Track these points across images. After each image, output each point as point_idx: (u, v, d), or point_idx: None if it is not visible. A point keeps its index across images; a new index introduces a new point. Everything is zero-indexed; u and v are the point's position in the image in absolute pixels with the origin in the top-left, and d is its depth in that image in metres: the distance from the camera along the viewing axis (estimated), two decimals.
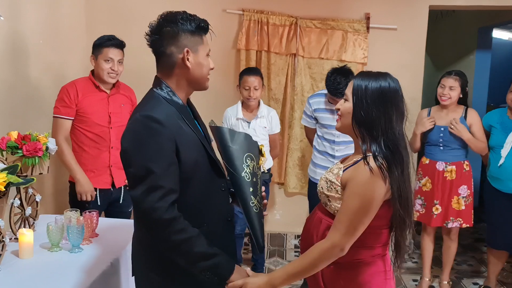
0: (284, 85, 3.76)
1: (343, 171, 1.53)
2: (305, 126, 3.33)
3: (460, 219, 3.10)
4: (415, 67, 3.74)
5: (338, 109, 1.58)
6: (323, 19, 3.68)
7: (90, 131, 2.65)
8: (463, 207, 3.10)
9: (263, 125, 3.14)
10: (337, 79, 2.82)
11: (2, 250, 1.75)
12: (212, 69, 1.58)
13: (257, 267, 3.42)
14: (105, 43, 2.65)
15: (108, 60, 2.63)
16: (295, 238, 4.04)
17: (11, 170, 1.71)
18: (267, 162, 3.20)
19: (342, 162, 1.65)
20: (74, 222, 1.94)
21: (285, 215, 4.04)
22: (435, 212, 3.13)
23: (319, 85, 3.72)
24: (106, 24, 3.64)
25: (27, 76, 2.92)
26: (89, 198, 2.64)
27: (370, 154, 1.46)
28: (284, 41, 3.70)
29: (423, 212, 3.19)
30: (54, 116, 2.66)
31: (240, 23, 3.68)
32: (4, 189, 1.66)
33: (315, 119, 3.16)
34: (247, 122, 3.13)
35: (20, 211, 2.01)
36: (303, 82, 3.75)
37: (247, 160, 1.62)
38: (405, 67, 3.62)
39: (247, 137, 1.66)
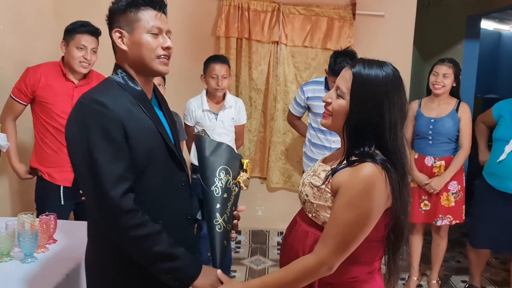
0: (266, 75, 3.56)
1: (332, 174, 1.31)
2: (290, 110, 3.19)
3: (450, 216, 2.96)
4: (402, 56, 3.56)
5: (328, 103, 1.34)
6: (307, 5, 3.48)
7: (51, 123, 2.43)
8: (453, 204, 2.95)
9: (231, 116, 2.93)
10: (343, 61, 2.64)
11: None
12: (167, 48, 1.38)
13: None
14: (78, 29, 2.43)
15: (81, 48, 2.42)
16: (278, 235, 3.86)
17: None
18: None
19: (324, 161, 1.46)
20: (27, 228, 1.73)
21: (267, 211, 3.86)
22: (424, 208, 2.99)
23: (302, 75, 3.54)
24: (77, 8, 3.38)
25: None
26: (23, 177, 2.55)
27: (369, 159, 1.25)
28: (266, 28, 3.48)
29: (410, 208, 3.03)
30: (10, 95, 2.49)
31: (220, 8, 3.46)
32: None
33: (308, 108, 3.01)
34: (214, 114, 2.90)
35: None
36: (286, 72, 3.55)
37: (221, 174, 1.47)
38: (393, 56, 3.34)
39: (229, 149, 1.51)
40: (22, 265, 1.71)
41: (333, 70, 2.70)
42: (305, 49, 3.52)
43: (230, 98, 2.97)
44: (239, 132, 3.08)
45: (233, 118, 2.96)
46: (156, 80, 2.58)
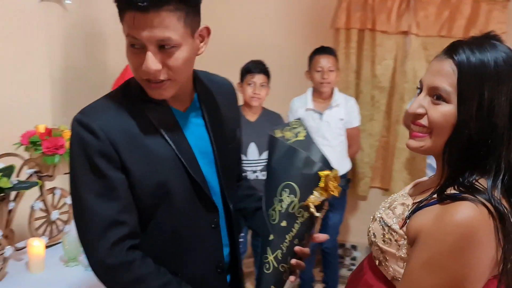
0: (392, 71, 3.08)
1: (413, 212, 0.91)
2: (407, 111, 2.68)
3: None
4: None
5: (419, 116, 0.92)
6: None
7: None
8: None
9: (339, 117, 2.55)
10: None
11: (3, 263, 1.53)
12: (149, 72, 0.97)
13: None
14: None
15: None
16: None
17: (6, 172, 1.46)
18: (344, 165, 2.60)
19: (415, 187, 1.05)
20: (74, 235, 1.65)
21: None
22: None
23: None
24: None
25: (103, 62, 2.77)
26: None
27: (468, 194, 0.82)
28: (394, 17, 3.00)
29: None
30: None
31: None
32: None
33: None
34: (319, 113, 2.56)
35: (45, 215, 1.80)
36: (416, 67, 3.02)
37: (283, 192, 1.07)
38: None
39: (304, 158, 1.07)
40: (85, 271, 1.65)
41: None
42: (441, 40, 2.94)
43: (339, 96, 2.61)
44: (352, 136, 2.70)
45: (342, 119, 2.59)
46: (260, 79, 2.37)
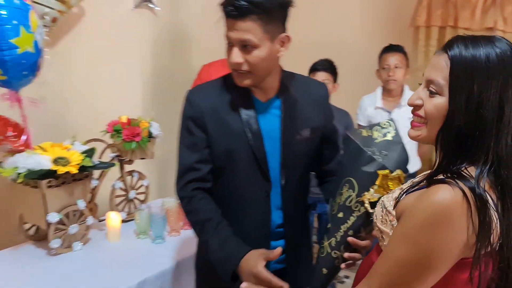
0: None
1: (404, 194, 0.96)
2: None
3: None
4: None
5: (417, 107, 0.97)
6: None
7: None
8: None
9: (408, 116, 2.49)
10: None
11: (86, 230, 1.82)
12: (233, 63, 1.27)
13: None
14: None
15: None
16: None
17: (88, 153, 1.74)
18: (413, 164, 2.54)
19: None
20: (158, 212, 1.88)
21: None
22: None
23: None
24: None
25: (188, 63, 3.04)
26: None
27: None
28: (478, 12, 2.88)
29: None
30: None
31: None
32: (79, 171, 1.69)
33: None
34: (388, 112, 2.54)
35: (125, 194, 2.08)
36: None
37: (344, 187, 1.18)
38: None
39: (369, 160, 1.15)
40: (152, 243, 1.88)
41: None
42: None
43: (409, 95, 2.58)
44: None
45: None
46: (321, 76, 2.46)
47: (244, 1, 1.19)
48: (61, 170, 1.63)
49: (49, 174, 1.62)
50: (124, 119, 2.04)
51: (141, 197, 2.16)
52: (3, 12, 1.37)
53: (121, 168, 2.05)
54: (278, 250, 1.23)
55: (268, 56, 1.27)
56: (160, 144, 2.16)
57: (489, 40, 0.89)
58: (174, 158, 1.45)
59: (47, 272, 1.60)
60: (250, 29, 1.22)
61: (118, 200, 2.07)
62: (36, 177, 1.59)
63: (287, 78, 1.40)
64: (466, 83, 0.87)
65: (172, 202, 1.97)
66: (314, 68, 2.53)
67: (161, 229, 1.88)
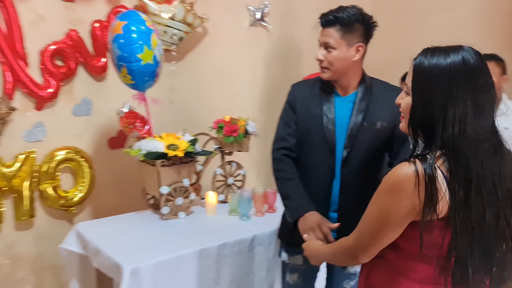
0: None
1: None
2: None
3: None
4: None
5: (399, 104, 1.23)
6: None
7: None
8: None
9: (504, 125, 2.45)
10: None
11: (189, 203, 2.30)
12: (317, 59, 1.75)
13: None
14: None
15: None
16: None
17: (192, 142, 2.22)
18: None
19: None
20: (247, 196, 2.28)
21: None
22: None
23: None
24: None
25: (296, 73, 3.41)
26: None
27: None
28: None
29: None
30: None
31: None
32: (185, 156, 2.19)
33: None
34: None
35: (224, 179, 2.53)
36: None
37: None
38: None
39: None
40: (238, 220, 2.29)
41: None
42: None
43: (507, 104, 2.56)
44: None
45: (507, 128, 2.52)
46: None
47: (331, 16, 1.68)
48: (171, 153, 2.13)
49: (162, 155, 2.14)
50: (227, 118, 2.49)
51: (239, 184, 2.59)
52: (134, 35, 1.94)
53: (222, 157, 2.51)
54: (337, 224, 1.65)
55: (343, 57, 1.70)
56: (260, 142, 2.56)
57: (448, 51, 1.11)
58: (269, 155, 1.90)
59: (158, 232, 2.12)
60: (331, 35, 1.69)
61: (219, 184, 2.52)
62: (153, 157, 2.13)
63: (367, 80, 1.78)
64: (420, 85, 1.12)
65: (260, 189, 2.36)
66: (403, 78, 2.69)
67: (247, 209, 2.27)
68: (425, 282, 1.16)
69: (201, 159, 2.43)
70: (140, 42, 1.95)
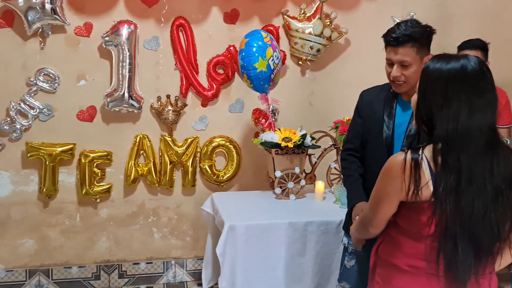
0: None
1: None
2: None
3: None
4: None
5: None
6: None
7: None
8: None
9: None
10: None
11: (300, 188, 2.73)
12: (394, 76, 1.82)
13: None
14: None
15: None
16: None
17: (303, 136, 2.64)
18: None
19: None
20: (342, 187, 2.58)
21: None
22: None
23: None
24: None
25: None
26: None
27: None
28: None
29: None
30: None
31: None
32: (296, 148, 2.63)
33: None
34: None
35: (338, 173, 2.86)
36: None
37: None
38: None
39: None
40: (337, 207, 2.61)
41: None
42: None
43: None
44: None
45: None
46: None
47: (402, 35, 1.76)
48: (283, 144, 2.62)
49: (276, 145, 2.64)
50: (345, 119, 2.82)
51: None
52: (254, 49, 2.51)
53: (337, 153, 2.85)
54: None
55: (418, 70, 1.74)
56: None
57: (451, 58, 1.31)
58: None
59: (267, 206, 2.64)
60: (407, 53, 1.77)
61: (333, 177, 2.87)
62: (268, 146, 2.65)
63: None
64: (423, 85, 1.35)
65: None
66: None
67: (344, 199, 2.57)
68: (416, 257, 1.36)
69: (317, 153, 2.83)
70: (256, 55, 2.51)
